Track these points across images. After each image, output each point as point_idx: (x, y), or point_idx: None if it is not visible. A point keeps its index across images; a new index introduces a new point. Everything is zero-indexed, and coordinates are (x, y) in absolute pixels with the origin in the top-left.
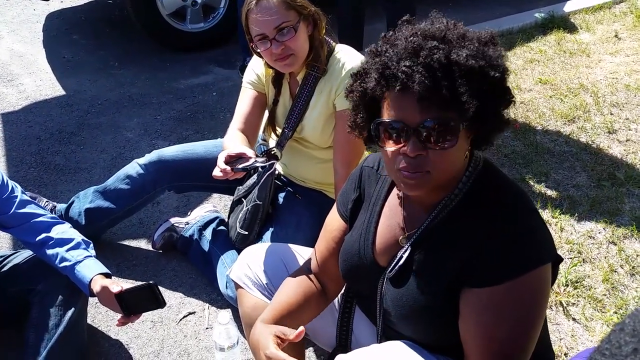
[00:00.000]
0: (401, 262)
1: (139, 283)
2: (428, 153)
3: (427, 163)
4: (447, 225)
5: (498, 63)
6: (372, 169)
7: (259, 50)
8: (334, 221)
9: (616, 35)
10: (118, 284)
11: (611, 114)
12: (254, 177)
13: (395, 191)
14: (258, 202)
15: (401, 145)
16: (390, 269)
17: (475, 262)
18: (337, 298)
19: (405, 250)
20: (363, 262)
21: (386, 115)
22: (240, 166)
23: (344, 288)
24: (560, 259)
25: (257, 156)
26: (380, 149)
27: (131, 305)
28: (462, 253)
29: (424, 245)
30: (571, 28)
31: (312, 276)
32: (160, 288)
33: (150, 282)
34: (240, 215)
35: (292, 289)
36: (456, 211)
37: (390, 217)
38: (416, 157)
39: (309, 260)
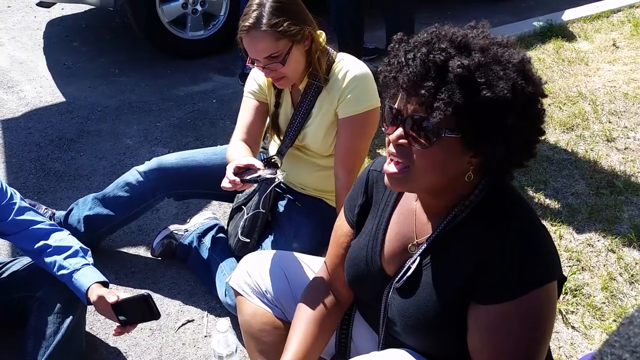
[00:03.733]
0: (409, 272)
1: (136, 293)
2: (410, 146)
3: (408, 156)
4: (456, 237)
5: (502, 86)
6: (380, 173)
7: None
8: (342, 227)
9: (614, 44)
10: (114, 294)
11: (609, 122)
12: (254, 185)
13: (405, 198)
14: (260, 210)
15: (392, 129)
16: (397, 278)
17: (483, 278)
18: None
19: (414, 261)
20: (370, 270)
21: (397, 99)
22: (248, 177)
23: None
24: (564, 279)
25: (264, 167)
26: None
27: (127, 316)
28: (470, 267)
29: (433, 256)
30: (569, 36)
31: (322, 293)
32: (159, 295)
33: (145, 293)
34: (241, 223)
35: (306, 325)
36: (466, 223)
37: (400, 224)
38: (399, 145)
39: (317, 275)
